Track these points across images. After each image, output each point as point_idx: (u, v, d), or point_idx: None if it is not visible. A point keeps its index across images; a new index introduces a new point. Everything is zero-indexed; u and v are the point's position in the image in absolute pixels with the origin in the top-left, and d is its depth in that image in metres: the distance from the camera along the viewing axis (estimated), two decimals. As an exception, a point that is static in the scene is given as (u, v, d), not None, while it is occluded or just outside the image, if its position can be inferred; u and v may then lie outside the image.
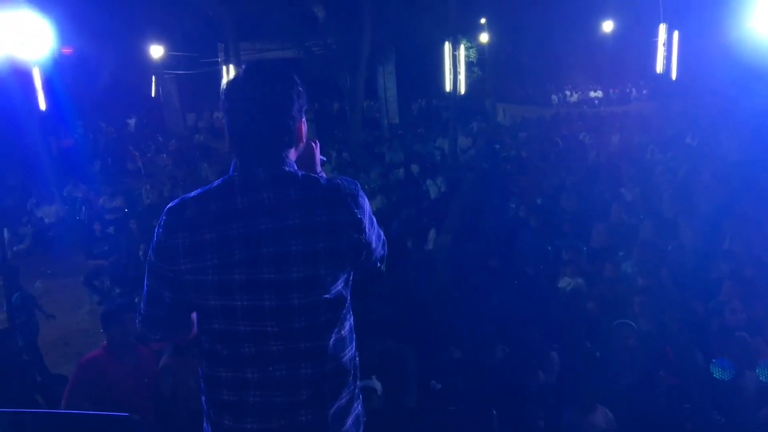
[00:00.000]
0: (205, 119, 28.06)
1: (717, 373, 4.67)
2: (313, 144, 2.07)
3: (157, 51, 22.27)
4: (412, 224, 9.88)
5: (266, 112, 1.86)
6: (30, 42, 7.51)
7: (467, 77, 19.27)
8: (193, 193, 1.88)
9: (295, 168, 1.92)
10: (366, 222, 1.91)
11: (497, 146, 16.46)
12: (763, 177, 8.83)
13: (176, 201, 1.89)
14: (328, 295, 1.87)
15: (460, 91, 17.49)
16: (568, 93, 29.08)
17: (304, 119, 1.95)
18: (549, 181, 11.17)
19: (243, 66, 1.92)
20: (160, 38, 22.01)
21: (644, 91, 26.58)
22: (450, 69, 16.85)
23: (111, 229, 11.27)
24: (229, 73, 20.45)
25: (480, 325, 5.01)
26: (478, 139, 19.03)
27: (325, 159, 2.15)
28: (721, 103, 16.93)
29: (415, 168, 14.37)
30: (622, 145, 14.91)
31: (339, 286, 1.91)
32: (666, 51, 17.01)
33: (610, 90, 28.12)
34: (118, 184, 16.12)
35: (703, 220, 7.67)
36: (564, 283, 6.85)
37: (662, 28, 17.09)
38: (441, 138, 18.86)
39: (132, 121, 27.67)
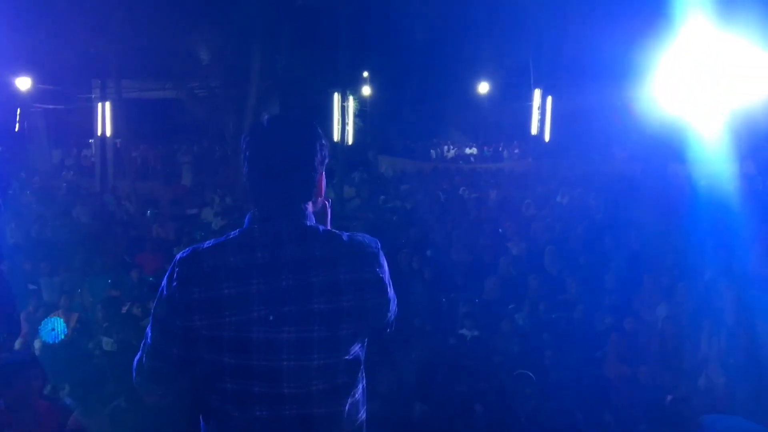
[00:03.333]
0: (72, 156, 26.56)
1: None
2: (326, 202, 2.02)
3: (24, 83, 20.99)
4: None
5: (291, 163, 1.82)
6: None
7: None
8: (206, 244, 1.79)
9: (314, 222, 1.87)
10: (387, 281, 1.87)
11: (382, 197, 16.75)
12: (633, 237, 9.57)
13: (187, 251, 1.79)
14: (347, 356, 1.82)
15: (347, 142, 17.77)
16: (445, 148, 30.23)
17: (324, 173, 1.91)
18: (436, 234, 11.51)
19: (265, 116, 1.88)
20: (27, 70, 20.74)
21: (516, 150, 28.18)
22: (339, 119, 17.11)
23: (-26, 273, 10.31)
24: (104, 110, 19.72)
25: (395, 380, 5.04)
26: (361, 189, 19.29)
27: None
28: (588, 163, 18.30)
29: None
30: (499, 200, 15.63)
31: (357, 346, 1.86)
32: (540, 114, 18.30)
33: (485, 147, 29.53)
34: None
35: (585, 274, 8.21)
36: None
37: (537, 93, 18.43)
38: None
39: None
